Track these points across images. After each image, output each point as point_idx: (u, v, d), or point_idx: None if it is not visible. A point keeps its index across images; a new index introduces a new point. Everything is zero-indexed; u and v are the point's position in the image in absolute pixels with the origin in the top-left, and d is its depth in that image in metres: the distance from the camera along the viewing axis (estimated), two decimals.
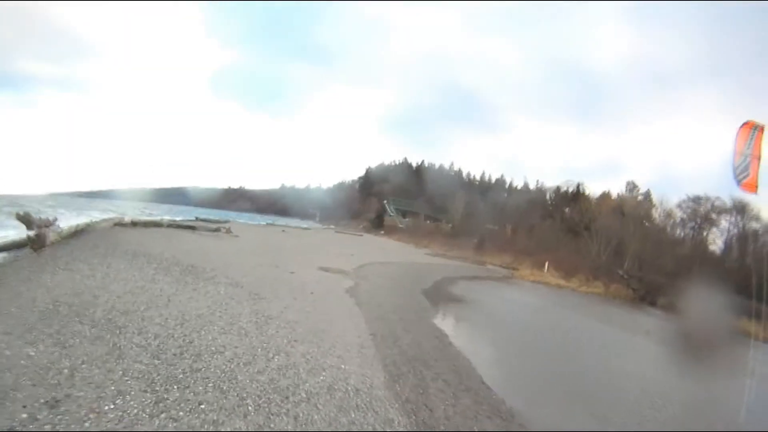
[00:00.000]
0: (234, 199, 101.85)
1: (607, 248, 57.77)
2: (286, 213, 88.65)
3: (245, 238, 37.35)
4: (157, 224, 34.51)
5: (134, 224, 31.55)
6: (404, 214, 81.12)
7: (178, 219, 45.60)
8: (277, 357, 10.19)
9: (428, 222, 78.70)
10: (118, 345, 8.98)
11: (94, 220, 29.23)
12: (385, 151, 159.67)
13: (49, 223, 20.20)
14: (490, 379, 13.03)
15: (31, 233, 18.41)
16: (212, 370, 8.69)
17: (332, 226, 77.26)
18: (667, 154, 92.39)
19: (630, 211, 63.63)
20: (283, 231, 56.82)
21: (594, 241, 59.33)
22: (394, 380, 10.61)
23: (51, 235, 19.35)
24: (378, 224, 79.55)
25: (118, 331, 9.71)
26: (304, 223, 76.76)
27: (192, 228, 36.28)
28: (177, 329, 10.72)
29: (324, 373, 9.79)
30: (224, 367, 8.96)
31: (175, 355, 9.09)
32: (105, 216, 35.44)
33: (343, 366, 10.60)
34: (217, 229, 38.02)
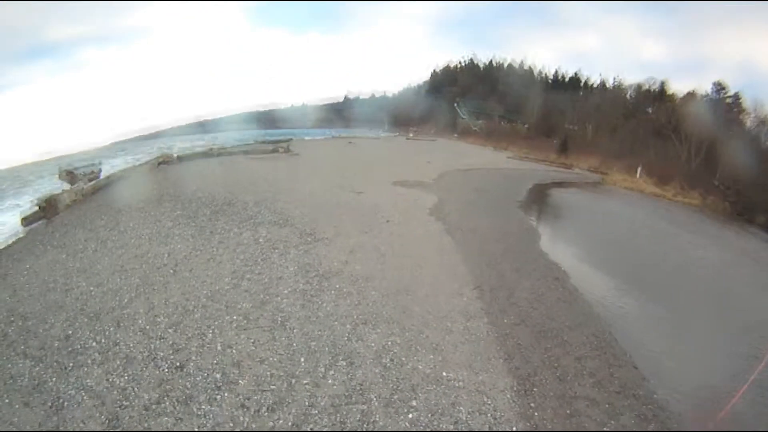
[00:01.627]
0: (298, 116, 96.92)
1: (698, 154, 49.95)
2: (353, 124, 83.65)
3: (307, 155, 32.47)
4: (206, 154, 30.15)
5: (179, 159, 27.31)
6: (477, 116, 75.39)
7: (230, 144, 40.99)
8: (332, 373, 5.94)
9: (503, 123, 72.88)
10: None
11: (135, 164, 25.89)
12: (451, 52, 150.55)
13: (94, 176, 19.11)
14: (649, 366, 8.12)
15: (41, 200, 15.60)
16: None
17: (402, 133, 72.06)
18: (753, 55, 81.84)
19: (722, 114, 55.43)
20: (350, 143, 51.07)
21: (683, 145, 51.57)
22: (525, 392, 6.38)
23: (66, 197, 16.54)
24: (450, 128, 74.10)
25: (65, 369, 5.97)
26: (373, 132, 72.03)
27: (245, 152, 31.67)
28: (168, 336, 6.76)
29: (415, 404, 5.54)
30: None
31: (147, 407, 5.24)
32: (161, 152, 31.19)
33: (444, 375, 6.24)
34: (275, 150, 33.22)
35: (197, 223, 12.55)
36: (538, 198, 26.48)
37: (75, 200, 16.56)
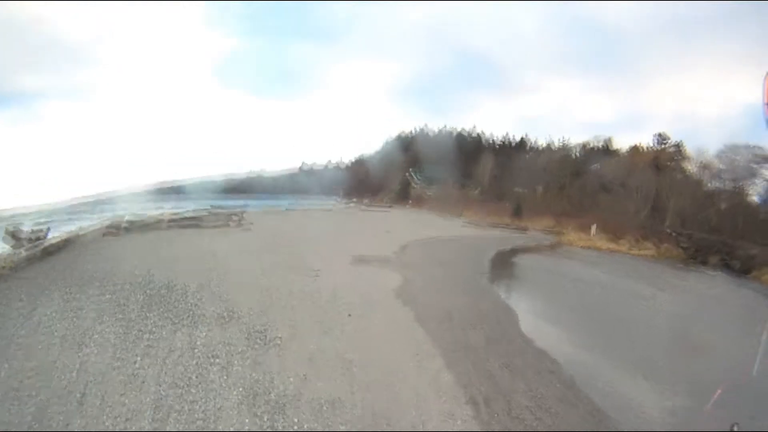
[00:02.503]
0: (254, 184, 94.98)
1: (646, 205, 52.03)
2: (307, 193, 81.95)
3: (260, 228, 29.76)
4: (155, 225, 27.68)
5: (127, 229, 24.74)
6: (430, 183, 74.62)
7: (184, 212, 38.42)
8: None
9: (455, 189, 72.13)
10: None
11: (84, 228, 22.67)
12: (403, 121, 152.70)
13: (41, 236, 17.65)
14: None
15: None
16: None
17: (356, 203, 70.51)
18: (693, 104, 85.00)
19: (665, 164, 57.24)
20: (305, 214, 48.78)
21: (631, 197, 53.15)
22: None
23: None
24: (404, 196, 73.07)
25: None
26: (327, 203, 70.44)
27: (196, 225, 29.26)
28: None
29: None
30: None
31: None
32: (109, 219, 28.55)
33: None
34: (226, 223, 30.65)
35: (125, 316, 10.18)
36: (503, 267, 25.08)
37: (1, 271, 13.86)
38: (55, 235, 19.39)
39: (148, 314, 10.37)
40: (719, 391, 8.76)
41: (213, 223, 29.20)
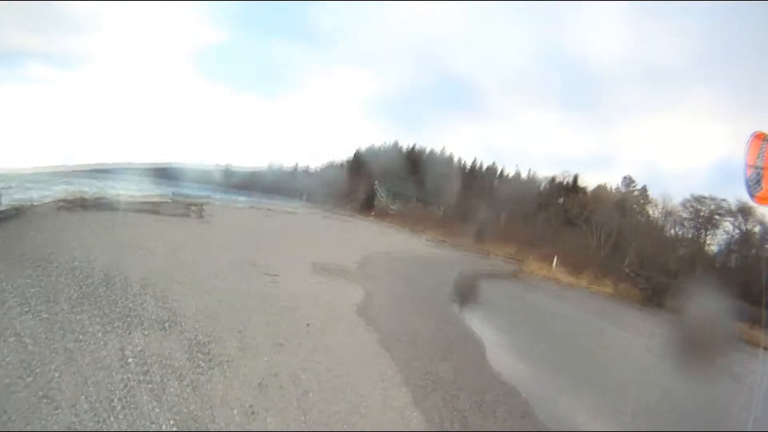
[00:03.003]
0: (224, 177, 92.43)
1: (607, 242, 51.92)
2: (272, 192, 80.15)
3: (220, 222, 27.94)
4: (113, 205, 25.91)
5: (83, 206, 22.96)
6: (395, 197, 73.68)
7: (144, 196, 36.63)
8: None
9: (419, 206, 71.38)
10: None
11: (37, 199, 21.46)
12: (375, 134, 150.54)
13: None
14: None
15: None
16: None
17: (319, 208, 69.18)
18: (661, 152, 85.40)
19: (630, 206, 57.83)
20: (268, 213, 45.58)
21: (593, 234, 53.21)
22: None
23: None
24: (368, 206, 71.71)
25: None
26: (291, 204, 68.84)
27: (155, 211, 27.56)
28: None
29: None
30: None
31: None
32: (69, 192, 26.61)
33: None
34: (187, 213, 28.93)
35: (51, 317, 8.40)
36: (467, 291, 23.61)
37: None
38: (5, 204, 18.13)
39: (77, 315, 8.70)
40: None
41: (172, 212, 27.54)
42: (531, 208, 62.03)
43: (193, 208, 29.61)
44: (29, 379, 6.36)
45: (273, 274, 15.19)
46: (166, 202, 31.33)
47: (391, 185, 75.12)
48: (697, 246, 51.50)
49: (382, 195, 74.12)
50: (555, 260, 43.50)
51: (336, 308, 13.00)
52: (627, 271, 42.75)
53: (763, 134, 9.38)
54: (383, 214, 68.19)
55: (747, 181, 9.50)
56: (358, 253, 24.92)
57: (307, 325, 10.76)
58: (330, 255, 22.48)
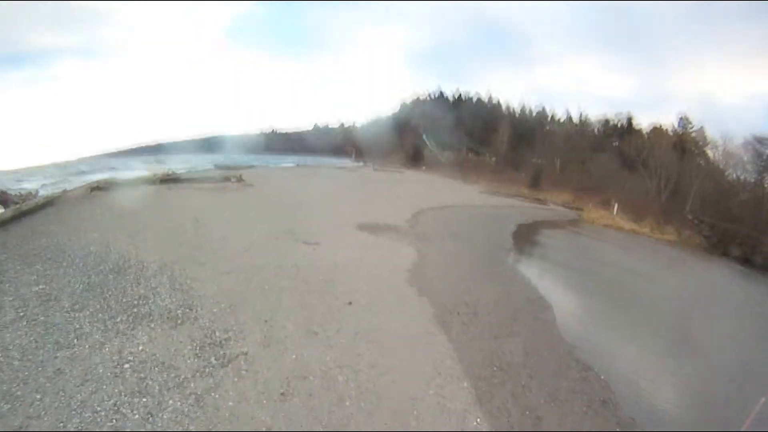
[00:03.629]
0: (270, 142, 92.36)
1: (667, 186, 49.72)
2: (320, 152, 79.30)
3: (262, 187, 26.63)
4: (150, 181, 24.72)
5: (119, 185, 21.85)
6: (445, 148, 71.33)
7: (193, 170, 35.67)
8: None
9: (471, 156, 68.95)
10: None
11: (68, 188, 20.17)
12: (419, 84, 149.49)
13: (30, 196, 16.63)
14: None
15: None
16: None
17: (369, 164, 67.31)
18: (714, 91, 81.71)
19: (689, 148, 54.64)
20: (314, 173, 44.55)
21: (652, 178, 50.94)
22: None
23: None
24: (417, 159, 69.74)
25: None
26: (340, 162, 67.24)
27: (190, 180, 26.26)
28: None
29: None
30: None
31: None
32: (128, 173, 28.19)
33: None
34: (226, 179, 27.58)
35: (48, 319, 7.06)
36: (528, 244, 21.94)
37: None
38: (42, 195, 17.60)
39: (78, 313, 7.30)
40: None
41: (210, 182, 26.16)
42: (585, 153, 60.25)
43: (233, 175, 28.19)
44: (5, 407, 4.99)
45: (313, 243, 13.59)
46: (205, 173, 30.12)
47: (440, 136, 72.71)
48: (760, 190, 47.35)
49: (432, 146, 71.79)
50: (615, 207, 41.56)
51: (384, 278, 11.29)
52: (690, 217, 40.75)
53: None
54: (434, 166, 66.31)
55: None
56: (409, 210, 23.27)
57: (349, 303, 9.11)
58: (379, 214, 20.88)
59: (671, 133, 57.95)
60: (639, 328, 12.40)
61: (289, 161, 61.46)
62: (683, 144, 54.75)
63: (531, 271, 16.30)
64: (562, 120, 71.36)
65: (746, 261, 30.25)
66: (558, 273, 17.52)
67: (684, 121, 57.98)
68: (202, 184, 25.44)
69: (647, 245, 31.50)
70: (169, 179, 25.61)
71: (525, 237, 23.23)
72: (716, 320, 15.28)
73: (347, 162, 71.10)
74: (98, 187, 19.83)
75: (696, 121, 56.77)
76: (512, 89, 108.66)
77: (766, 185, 47.18)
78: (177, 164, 42.32)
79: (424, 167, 65.49)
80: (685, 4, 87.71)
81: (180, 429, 4.94)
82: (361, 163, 68.98)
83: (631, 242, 31.29)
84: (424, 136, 73.48)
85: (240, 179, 27.48)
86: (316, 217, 18.09)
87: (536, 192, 50.01)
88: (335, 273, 10.91)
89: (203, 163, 48.25)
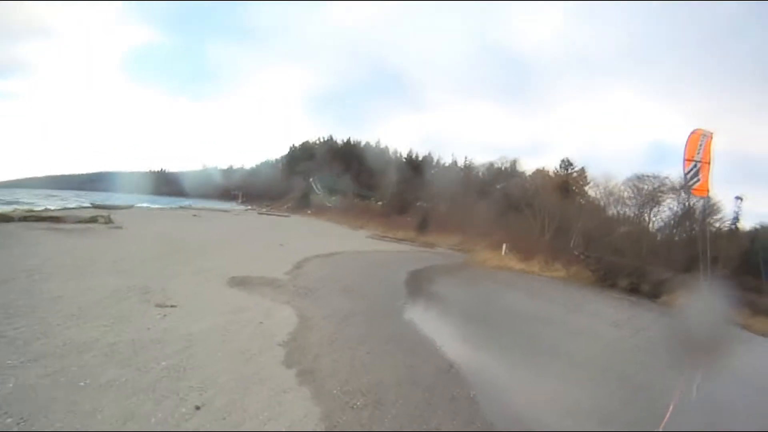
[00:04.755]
0: (157, 183, 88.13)
1: (551, 225, 50.68)
2: (208, 195, 75.70)
3: (133, 229, 22.90)
4: (5, 218, 20.78)
5: None
6: (332, 193, 69.43)
7: (67, 206, 32.10)
8: None
9: (358, 200, 67.32)
10: None
11: None
12: (310, 129, 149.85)
13: None
14: None
15: None
16: None
17: (255, 208, 64.17)
18: (596, 135, 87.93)
19: (570, 188, 57.12)
20: (195, 215, 40.23)
21: (536, 218, 51.79)
22: None
23: None
24: (305, 204, 67.27)
25: None
26: (226, 205, 63.65)
27: (53, 219, 22.24)
28: None
29: None
30: None
31: None
32: None
33: None
34: (93, 219, 23.63)
35: None
36: (423, 296, 18.94)
37: None
38: None
39: None
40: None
41: (72, 223, 22.18)
42: (471, 196, 59.69)
43: (102, 215, 24.33)
44: None
45: (168, 306, 10.36)
46: (71, 212, 26.17)
47: (328, 181, 70.80)
48: (639, 224, 49.98)
49: (319, 191, 69.56)
50: (504, 248, 40.54)
51: (252, 357, 8.24)
52: (576, 253, 40.75)
53: (700, 131, 9.77)
54: (321, 211, 64.00)
55: (685, 175, 9.82)
56: (292, 258, 20.45)
57: (197, 408, 6.08)
58: (258, 264, 17.85)
59: (553, 175, 59.40)
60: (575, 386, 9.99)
61: (173, 203, 57.09)
62: (565, 184, 56.18)
63: (433, 328, 13.44)
64: (447, 164, 71.76)
65: (633, 291, 30.58)
66: (462, 327, 14.40)
67: (565, 163, 59.87)
68: (65, 224, 21.51)
69: (538, 284, 30.41)
70: (30, 217, 22.20)
71: (419, 286, 20.53)
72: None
73: (234, 205, 67.63)
74: None
75: (578, 163, 59.19)
76: (403, 136, 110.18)
77: (644, 219, 49.55)
78: (57, 201, 38.63)
79: (310, 211, 63.16)
80: (573, 52, 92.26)
81: None
82: (248, 207, 65.93)
83: (523, 282, 30.00)
84: (312, 181, 71.23)
85: (109, 220, 23.63)
86: (183, 268, 14.76)
87: (424, 236, 48.69)
88: (187, 353, 7.79)
89: (81, 200, 44.33)
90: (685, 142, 9.84)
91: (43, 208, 30.37)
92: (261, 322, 10.33)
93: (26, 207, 29.17)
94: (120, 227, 22.74)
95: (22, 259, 12.93)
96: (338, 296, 14.94)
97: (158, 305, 10.32)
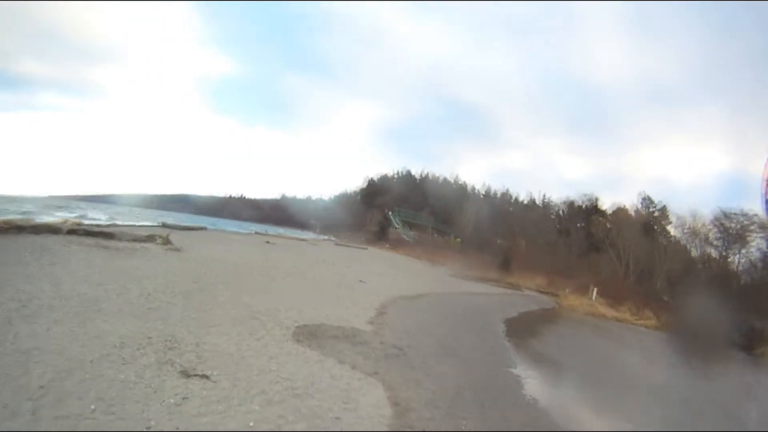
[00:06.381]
0: (235, 207, 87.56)
1: (636, 267, 47.19)
2: (286, 223, 73.87)
3: (194, 252, 19.49)
4: (53, 229, 17.75)
5: (20, 227, 16.39)
6: (410, 227, 66.23)
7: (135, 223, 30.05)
8: None
9: (435, 235, 63.93)
10: None
11: None
12: (387, 162, 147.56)
13: None
14: None
15: None
16: None
17: (332, 238, 61.44)
18: (673, 169, 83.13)
19: (653, 227, 52.76)
20: (268, 242, 35.40)
21: (621, 260, 47.90)
22: None
23: None
24: (381, 236, 64.15)
25: None
26: (303, 234, 61.04)
27: (105, 235, 18.89)
28: None
29: None
30: None
31: None
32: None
33: None
34: (149, 239, 20.00)
35: None
36: (536, 358, 14.85)
37: None
38: None
39: None
40: None
41: (125, 241, 18.91)
42: (551, 234, 57.46)
43: (159, 234, 21.07)
44: None
45: (197, 375, 6.50)
46: (128, 229, 23.33)
47: (405, 214, 67.68)
48: (727, 266, 45.92)
49: (397, 224, 66.58)
50: (594, 292, 38.13)
51: None
52: (666, 299, 39.65)
53: None
54: (398, 244, 60.80)
55: (763, 196, 9.20)
56: (373, 300, 16.41)
57: None
58: (333, 306, 13.84)
59: (634, 213, 55.42)
60: None
61: (248, 228, 54.40)
62: (647, 224, 52.53)
63: (565, 412, 9.38)
64: (525, 202, 68.48)
65: (745, 347, 27.99)
66: (603, 416, 10.30)
67: (646, 201, 55.70)
68: (117, 242, 18.31)
69: (639, 336, 28.73)
70: (80, 230, 19.05)
71: (525, 342, 16.65)
72: None
73: (310, 235, 65.00)
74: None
75: (657, 198, 55.20)
76: (477, 170, 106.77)
77: (731, 259, 45.73)
78: (130, 217, 37.18)
79: (387, 245, 59.85)
80: (646, 86, 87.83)
81: None
82: (325, 237, 63.19)
83: (626, 334, 28.27)
84: (389, 214, 68.20)
85: (167, 241, 20.32)
86: (236, 309, 10.89)
87: (507, 276, 45.02)
88: None
89: (153, 218, 42.48)
90: (764, 166, 9.36)
91: (109, 222, 27.96)
92: (338, 418, 6.28)
93: (92, 221, 26.52)
94: (178, 249, 19.35)
95: (24, 283, 9.38)
96: (437, 360, 10.74)
97: (183, 372, 6.47)
